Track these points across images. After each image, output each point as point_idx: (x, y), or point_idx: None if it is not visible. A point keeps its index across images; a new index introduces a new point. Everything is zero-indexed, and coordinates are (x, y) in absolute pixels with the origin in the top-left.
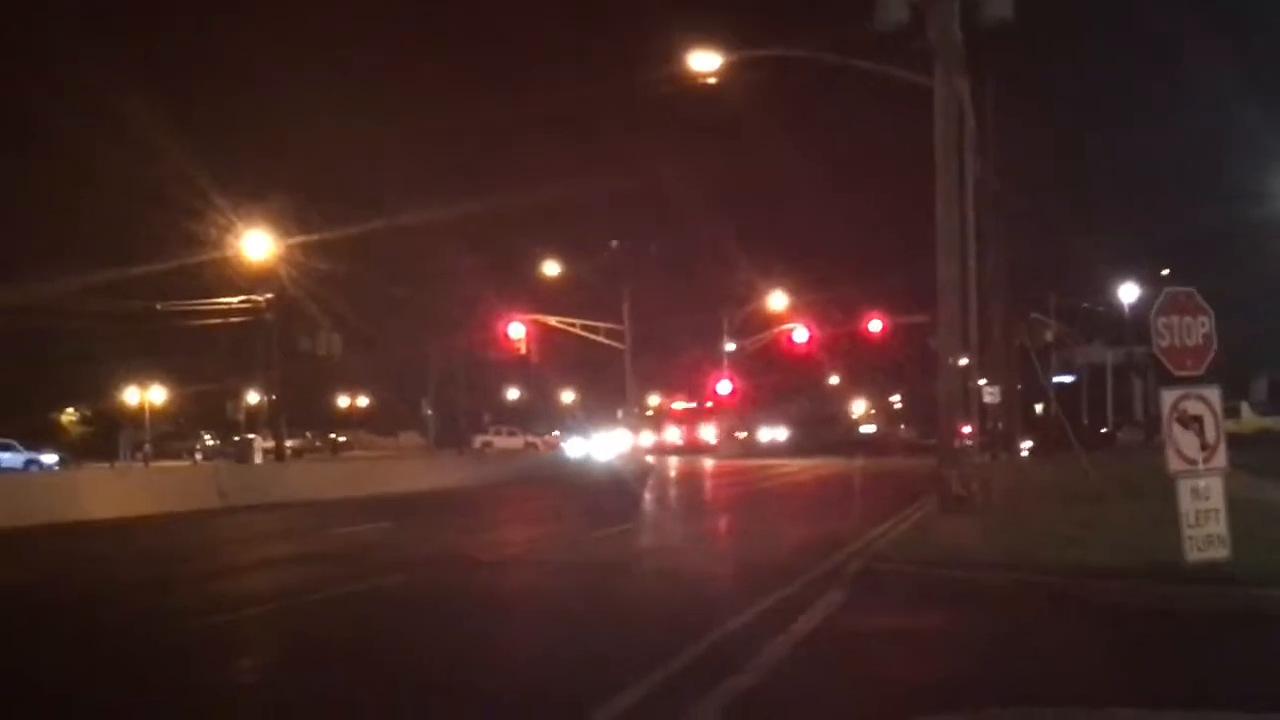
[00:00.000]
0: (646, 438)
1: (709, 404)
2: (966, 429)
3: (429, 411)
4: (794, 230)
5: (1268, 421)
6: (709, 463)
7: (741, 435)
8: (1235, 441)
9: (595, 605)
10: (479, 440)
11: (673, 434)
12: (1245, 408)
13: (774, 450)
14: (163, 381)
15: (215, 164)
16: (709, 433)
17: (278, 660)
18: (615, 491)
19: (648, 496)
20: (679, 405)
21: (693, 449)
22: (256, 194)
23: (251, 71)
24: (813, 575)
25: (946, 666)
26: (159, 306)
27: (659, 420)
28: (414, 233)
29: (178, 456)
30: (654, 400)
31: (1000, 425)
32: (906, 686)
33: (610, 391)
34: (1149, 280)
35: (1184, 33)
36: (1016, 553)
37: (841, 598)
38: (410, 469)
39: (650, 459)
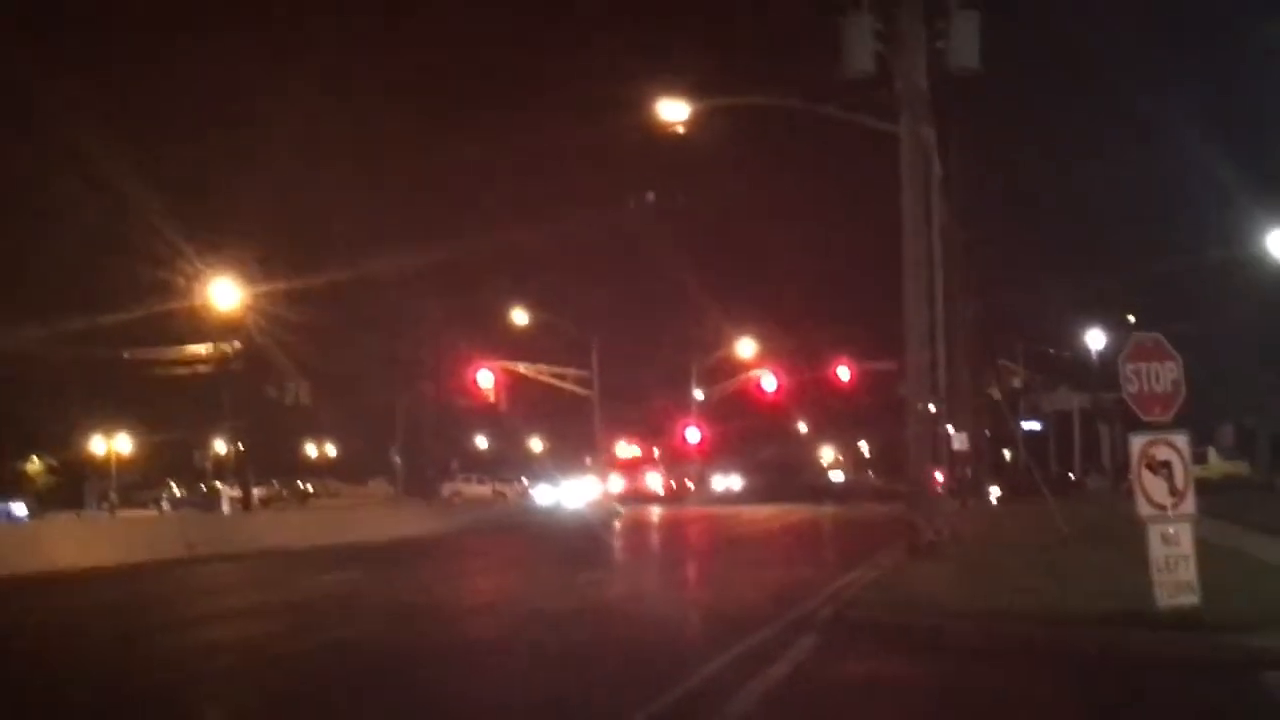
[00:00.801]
0: (615, 485)
1: (655, 451)
2: (938, 475)
3: (397, 460)
4: (762, 277)
5: (1234, 466)
6: (657, 511)
7: (691, 485)
8: (1203, 487)
9: (565, 654)
10: (447, 488)
11: (616, 483)
12: (1212, 453)
13: (729, 499)
14: (129, 430)
15: (183, 211)
16: (655, 481)
17: (243, 714)
18: (585, 539)
19: (617, 544)
20: (624, 453)
21: (636, 498)
22: (224, 242)
23: (218, 117)
24: (784, 622)
25: (914, 717)
26: (126, 355)
27: (606, 468)
28: (382, 281)
29: (144, 506)
30: (623, 447)
31: (969, 472)
32: None
33: (579, 439)
34: (1115, 327)
35: (1148, 80)
36: (987, 600)
37: (812, 645)
38: (378, 517)
39: (619, 507)
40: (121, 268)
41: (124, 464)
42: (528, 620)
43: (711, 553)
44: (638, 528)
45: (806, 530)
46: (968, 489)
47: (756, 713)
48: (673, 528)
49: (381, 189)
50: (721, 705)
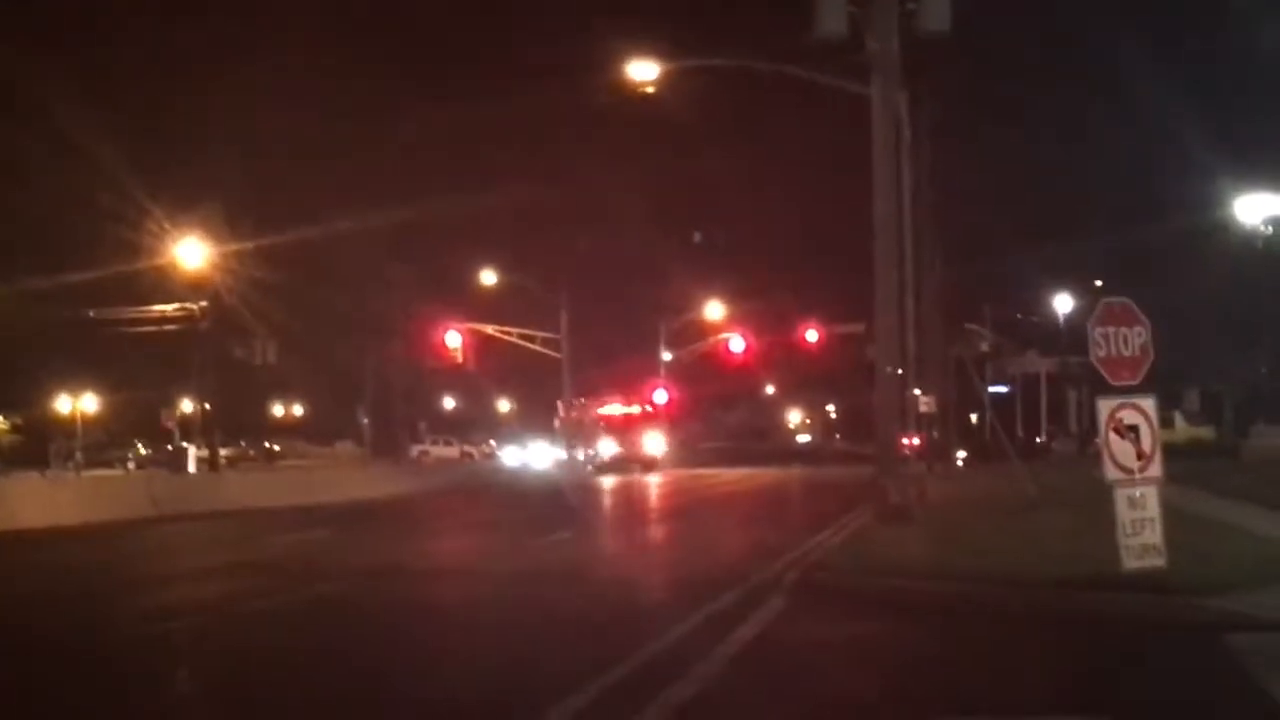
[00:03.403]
0: (607, 448)
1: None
2: (915, 440)
3: (365, 420)
4: (732, 239)
5: (1200, 431)
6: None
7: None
8: (1169, 452)
9: (535, 614)
10: (415, 449)
11: (608, 446)
12: (1178, 418)
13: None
14: (95, 390)
15: (148, 169)
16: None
17: (213, 671)
18: (552, 500)
19: (585, 506)
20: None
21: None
22: (191, 200)
23: (184, 74)
24: (752, 584)
25: (884, 677)
26: (91, 314)
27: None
28: (351, 241)
29: (110, 465)
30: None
31: (936, 435)
32: (845, 697)
33: (548, 401)
34: (1083, 292)
35: (1119, 47)
36: (954, 562)
37: (781, 606)
38: (346, 478)
39: (590, 468)
40: (87, 226)
41: (90, 423)
42: (495, 581)
43: (678, 515)
44: (606, 491)
45: (774, 493)
46: (935, 452)
47: (724, 675)
48: (639, 489)
49: (351, 149)
50: (689, 667)
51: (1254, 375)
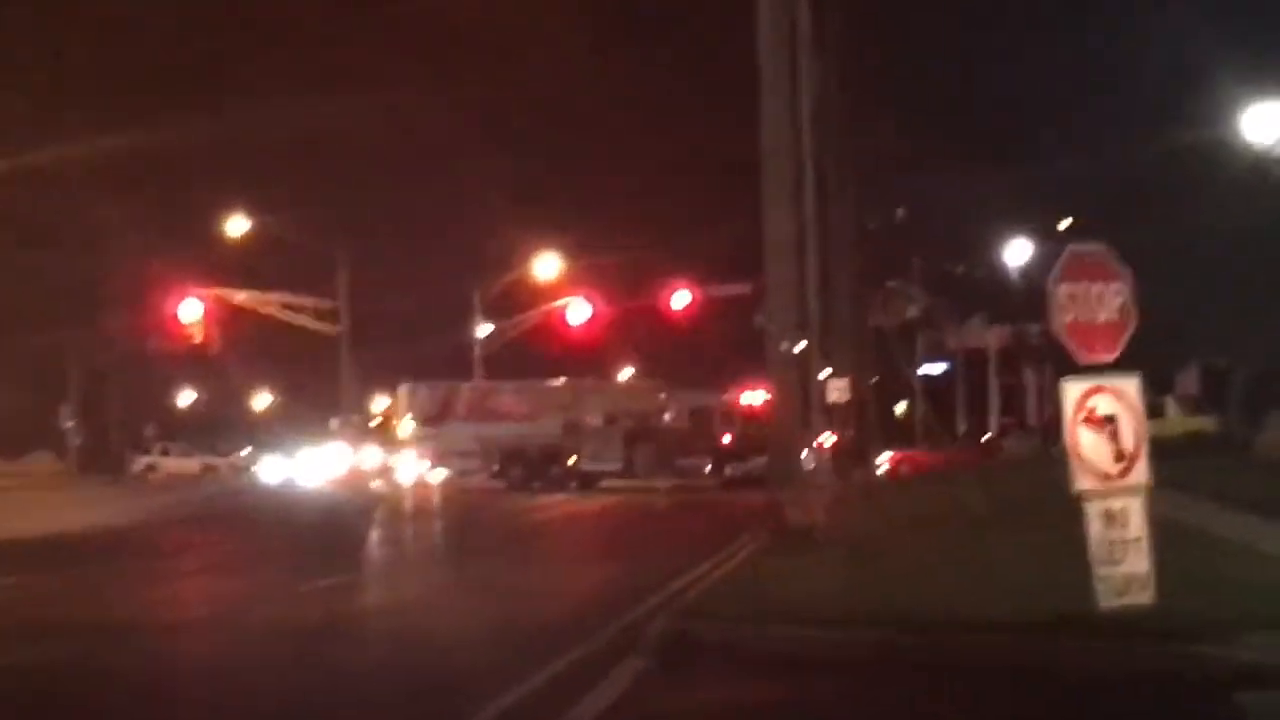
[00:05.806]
0: (371, 455)
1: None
2: (824, 439)
3: (69, 424)
4: (580, 179)
5: (1200, 422)
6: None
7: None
8: (1159, 449)
9: (311, 684)
10: (140, 462)
11: None
12: (1170, 404)
13: None
14: None
15: None
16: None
17: None
18: (329, 529)
19: (375, 536)
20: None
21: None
22: None
23: None
24: (602, 638)
25: None
26: None
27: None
28: (51, 179)
29: None
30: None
31: (851, 432)
32: None
33: (324, 394)
34: (1044, 236)
35: None
36: (873, 602)
37: (641, 667)
38: (43, 502)
39: (378, 484)
40: None
41: None
42: (261, 638)
43: (509, 545)
44: (403, 513)
45: (633, 513)
46: (849, 455)
47: None
48: (450, 511)
49: (59, 55)
50: None
51: (1272, 347)
